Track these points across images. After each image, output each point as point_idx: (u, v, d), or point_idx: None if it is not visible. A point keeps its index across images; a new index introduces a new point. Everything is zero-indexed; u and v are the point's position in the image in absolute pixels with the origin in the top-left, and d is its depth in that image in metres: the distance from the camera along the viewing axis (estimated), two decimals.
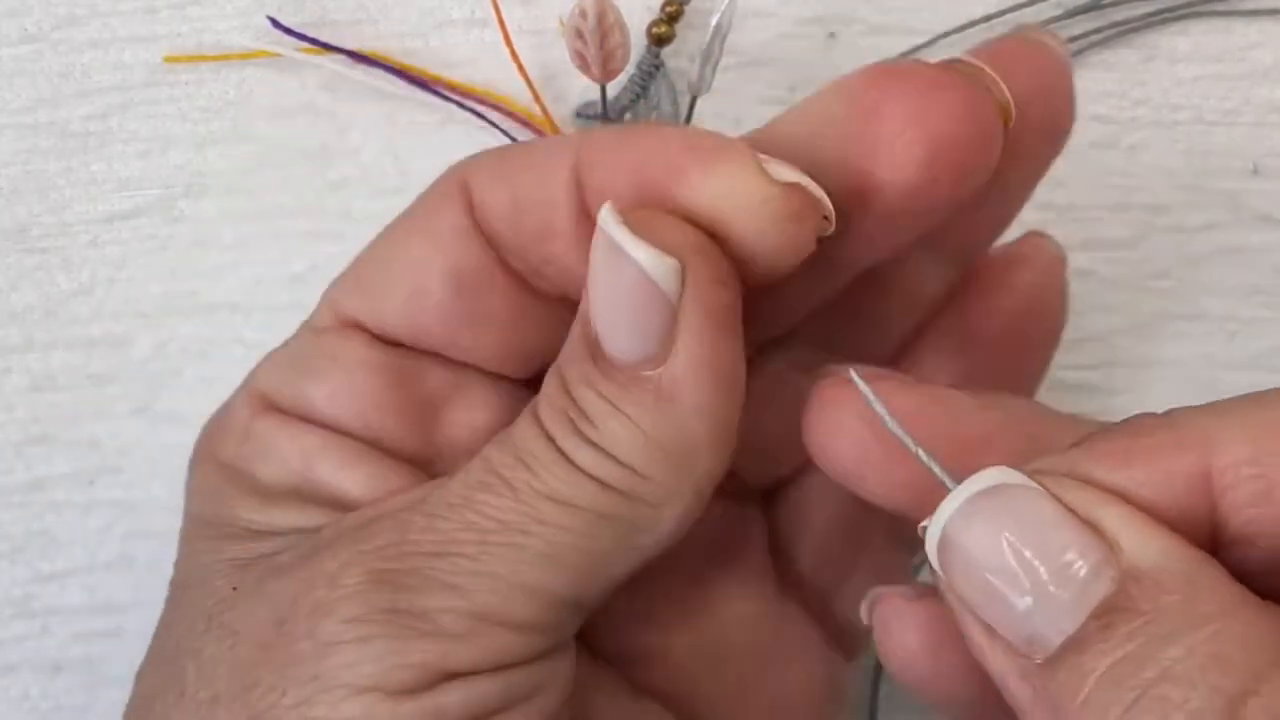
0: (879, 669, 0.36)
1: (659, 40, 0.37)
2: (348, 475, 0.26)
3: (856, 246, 0.25)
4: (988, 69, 0.24)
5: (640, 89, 0.38)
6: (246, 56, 0.38)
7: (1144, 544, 0.20)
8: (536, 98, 0.38)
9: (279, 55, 0.37)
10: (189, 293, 0.38)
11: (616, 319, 0.23)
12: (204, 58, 0.38)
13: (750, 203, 0.23)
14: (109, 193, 0.38)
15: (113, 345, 0.38)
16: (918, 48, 0.38)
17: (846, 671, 0.31)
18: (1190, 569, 0.20)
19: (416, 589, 0.23)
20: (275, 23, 0.37)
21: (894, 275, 0.28)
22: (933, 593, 0.23)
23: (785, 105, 0.39)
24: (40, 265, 0.38)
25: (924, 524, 0.22)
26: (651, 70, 0.38)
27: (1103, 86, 0.39)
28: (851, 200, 0.24)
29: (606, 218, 0.23)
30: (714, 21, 0.35)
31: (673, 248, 0.23)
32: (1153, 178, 0.39)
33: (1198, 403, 0.22)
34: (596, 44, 0.35)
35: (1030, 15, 0.38)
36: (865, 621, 0.24)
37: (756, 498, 0.30)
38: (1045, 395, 0.31)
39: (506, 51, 0.37)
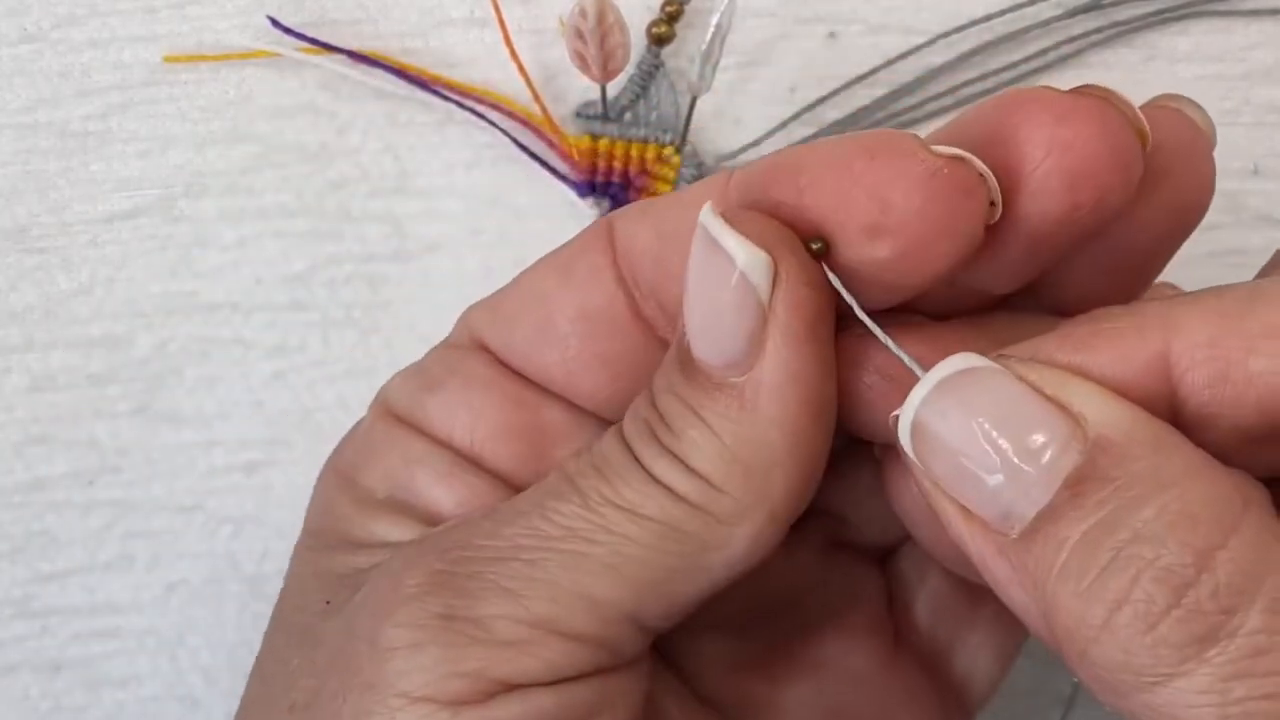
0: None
1: (659, 40, 0.37)
2: (444, 488, 0.26)
3: (993, 276, 0.24)
4: (1118, 92, 0.24)
5: (640, 89, 0.38)
6: (246, 56, 0.38)
7: (1108, 415, 0.21)
8: (536, 98, 0.38)
9: (279, 55, 0.37)
10: (189, 293, 0.38)
11: (706, 318, 0.23)
12: (204, 57, 0.38)
13: (917, 179, 0.22)
14: (109, 193, 0.38)
15: (112, 345, 0.38)
16: (918, 48, 0.38)
17: None
18: (1154, 436, 0.20)
19: (474, 594, 0.23)
20: (275, 22, 0.37)
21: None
22: None
23: (785, 105, 0.39)
24: (40, 265, 0.38)
25: (894, 414, 0.22)
26: (651, 70, 0.38)
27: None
28: (990, 230, 0.23)
29: (705, 212, 0.23)
30: (714, 21, 0.35)
31: (766, 244, 0.22)
32: None
33: None
34: (596, 44, 0.35)
35: (1030, 15, 0.38)
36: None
37: (876, 553, 0.30)
38: None
39: (506, 51, 0.37)
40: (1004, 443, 0.21)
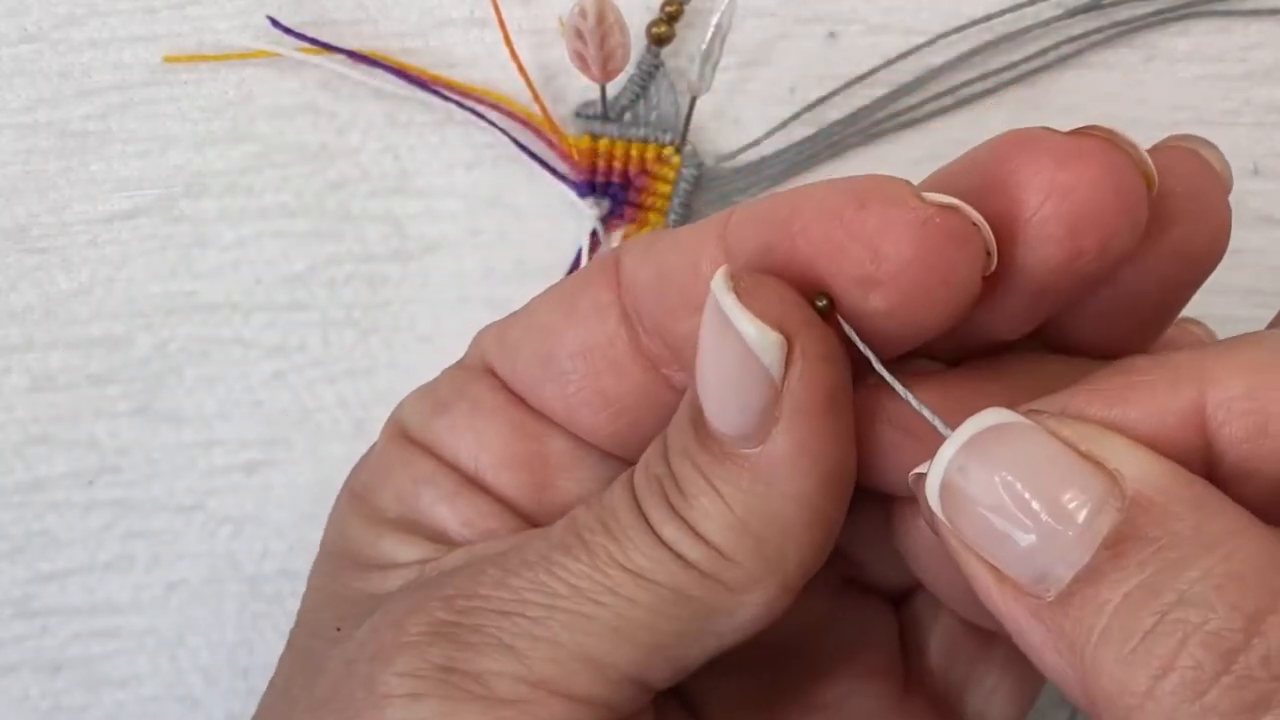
0: None
1: (659, 40, 0.37)
2: (448, 508, 0.26)
3: (998, 323, 0.24)
4: (1121, 133, 0.23)
5: (640, 89, 0.38)
6: (246, 56, 0.38)
7: (1146, 472, 0.20)
8: (536, 98, 0.38)
9: (279, 55, 0.37)
10: (189, 293, 0.38)
11: (718, 389, 0.22)
12: (204, 57, 0.38)
13: (908, 228, 0.21)
14: (109, 193, 0.38)
15: (112, 345, 0.38)
16: (918, 47, 0.38)
17: None
18: (1195, 494, 0.20)
19: (475, 647, 0.22)
20: (275, 22, 0.37)
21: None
22: None
23: (785, 105, 0.39)
24: (40, 265, 0.38)
25: (916, 471, 0.21)
26: (651, 70, 0.38)
27: (1103, 86, 0.39)
28: (990, 279, 0.22)
29: (718, 283, 0.22)
30: (714, 21, 0.35)
31: (780, 321, 0.22)
32: None
33: None
34: (596, 44, 0.35)
35: (1030, 15, 0.38)
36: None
37: (889, 593, 0.29)
38: None
39: (506, 51, 0.37)
40: (1038, 502, 0.20)
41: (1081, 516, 0.20)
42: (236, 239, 0.38)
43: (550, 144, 0.38)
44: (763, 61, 0.38)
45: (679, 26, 0.38)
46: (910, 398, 0.22)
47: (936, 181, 0.23)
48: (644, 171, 0.38)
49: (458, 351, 0.28)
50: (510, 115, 0.38)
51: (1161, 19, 0.39)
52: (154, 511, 0.38)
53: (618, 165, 0.38)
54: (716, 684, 0.27)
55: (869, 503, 0.26)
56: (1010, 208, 0.22)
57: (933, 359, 0.25)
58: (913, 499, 0.23)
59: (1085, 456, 0.20)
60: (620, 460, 0.26)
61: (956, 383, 0.24)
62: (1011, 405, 0.21)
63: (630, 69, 0.37)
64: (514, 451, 0.26)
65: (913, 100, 0.38)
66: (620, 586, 0.23)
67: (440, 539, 0.26)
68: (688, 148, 0.38)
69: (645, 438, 0.25)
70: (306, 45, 0.37)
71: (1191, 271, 0.24)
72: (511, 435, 0.26)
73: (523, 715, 0.22)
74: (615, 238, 0.38)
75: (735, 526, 0.22)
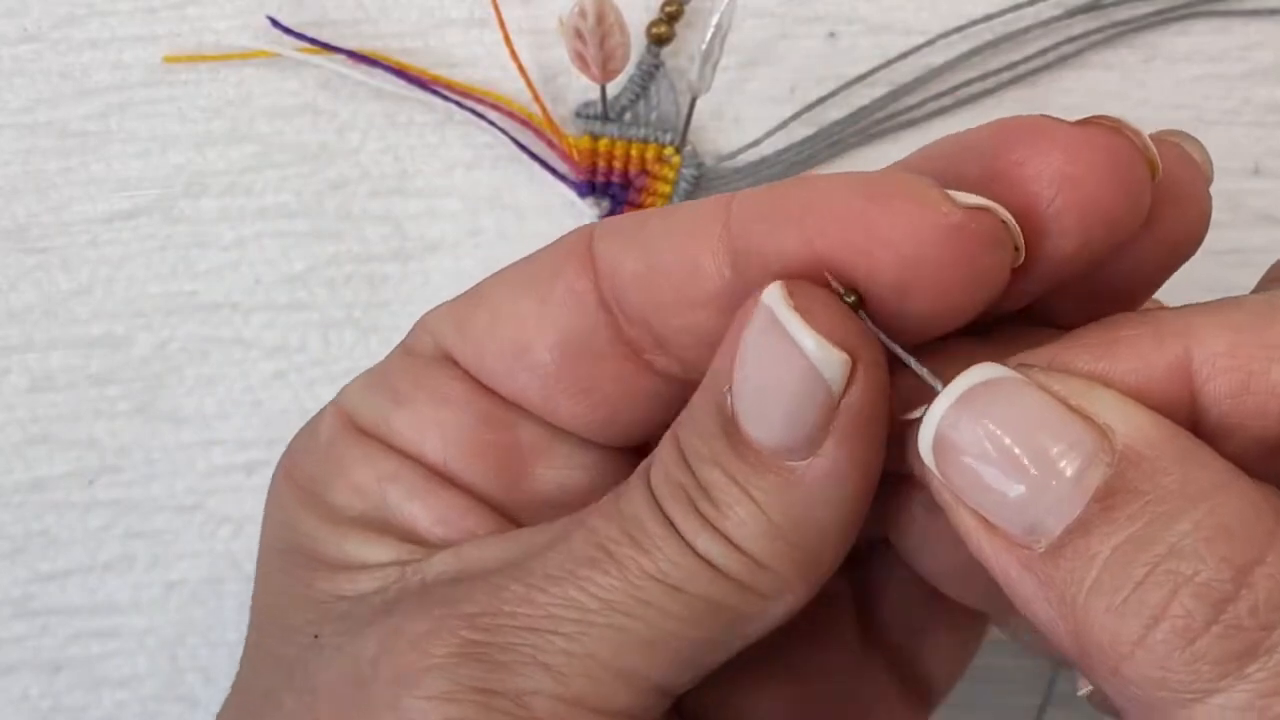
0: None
1: (659, 40, 0.37)
2: (419, 506, 0.25)
3: (1001, 302, 0.23)
4: (1127, 122, 0.23)
5: (640, 89, 0.38)
6: (246, 56, 0.38)
7: (1135, 426, 0.20)
8: (536, 98, 0.38)
9: (279, 55, 0.37)
10: (189, 293, 0.38)
11: (767, 404, 0.22)
12: (204, 58, 0.38)
13: (943, 233, 0.21)
14: (109, 193, 0.38)
15: (112, 345, 0.38)
16: (918, 48, 0.38)
17: None
18: (1182, 448, 0.20)
19: (509, 667, 0.22)
20: (275, 22, 0.37)
21: None
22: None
23: (785, 105, 0.39)
24: (40, 265, 0.38)
25: (910, 414, 0.22)
26: (651, 70, 0.38)
27: (1103, 86, 0.39)
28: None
29: (775, 298, 0.21)
30: (714, 21, 0.35)
31: (844, 341, 0.21)
32: None
33: None
34: (596, 44, 0.35)
35: (1030, 15, 0.38)
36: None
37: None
38: None
39: (506, 51, 0.37)
40: (1028, 456, 0.20)
41: (1072, 470, 0.20)
42: (236, 239, 0.38)
43: (550, 144, 0.38)
44: (763, 61, 0.38)
45: (679, 26, 0.38)
46: (907, 357, 0.22)
47: (927, 163, 0.23)
48: (644, 171, 0.38)
49: None
50: (510, 115, 0.38)
51: (1161, 19, 0.39)
52: (154, 511, 0.38)
53: (618, 165, 0.38)
54: None
55: None
56: (1021, 199, 0.22)
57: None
58: (901, 482, 0.24)
59: (1075, 410, 0.20)
60: (596, 445, 0.26)
61: (945, 348, 0.24)
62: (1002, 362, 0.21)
63: (630, 69, 0.37)
64: (484, 443, 0.26)
65: (913, 100, 0.38)
66: (653, 599, 0.22)
67: (411, 538, 0.25)
68: (688, 148, 0.38)
69: (625, 423, 0.25)
70: (306, 45, 0.37)
71: (1172, 257, 0.24)
72: (480, 426, 0.26)
73: None
74: None
75: (772, 534, 0.22)
